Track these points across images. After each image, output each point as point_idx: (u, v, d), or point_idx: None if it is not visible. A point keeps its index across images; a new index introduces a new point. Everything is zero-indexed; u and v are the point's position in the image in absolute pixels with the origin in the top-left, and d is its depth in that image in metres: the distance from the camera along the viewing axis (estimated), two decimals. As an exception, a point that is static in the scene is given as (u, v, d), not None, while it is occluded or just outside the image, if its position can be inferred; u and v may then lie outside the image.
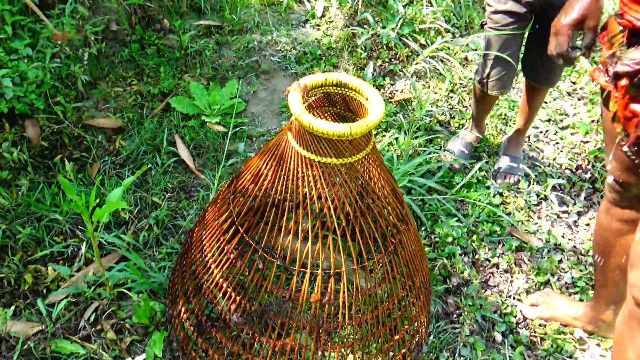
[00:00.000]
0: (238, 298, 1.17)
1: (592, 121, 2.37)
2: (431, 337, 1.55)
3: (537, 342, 1.60)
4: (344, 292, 1.13)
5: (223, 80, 2.44)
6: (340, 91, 1.15)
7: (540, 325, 1.63)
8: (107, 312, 1.51)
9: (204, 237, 1.29)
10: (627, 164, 1.20)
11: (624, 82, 1.03)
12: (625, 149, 1.13)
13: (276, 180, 1.13)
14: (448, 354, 1.53)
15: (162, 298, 1.57)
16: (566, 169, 2.16)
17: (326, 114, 1.22)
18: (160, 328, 1.48)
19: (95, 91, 2.25)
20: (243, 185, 1.22)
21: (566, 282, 1.75)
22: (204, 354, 1.27)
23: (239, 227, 1.18)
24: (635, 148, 1.12)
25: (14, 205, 1.76)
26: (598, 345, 1.58)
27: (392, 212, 1.19)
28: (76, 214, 1.78)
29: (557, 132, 2.33)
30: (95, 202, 1.83)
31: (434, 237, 1.84)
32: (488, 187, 2.03)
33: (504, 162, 2.09)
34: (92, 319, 1.50)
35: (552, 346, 1.58)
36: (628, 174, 1.23)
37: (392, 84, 2.53)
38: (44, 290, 1.58)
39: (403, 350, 1.29)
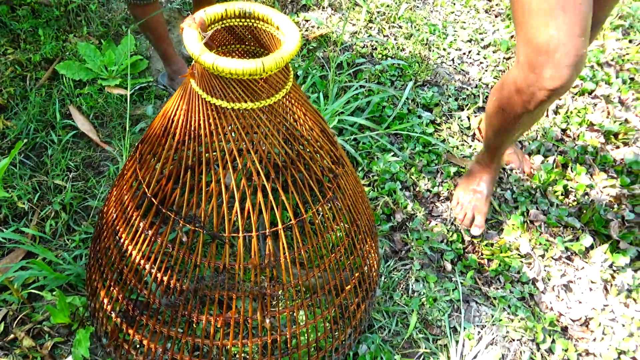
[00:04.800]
0: (165, 278, 1.02)
1: (512, 37, 2.34)
2: (382, 279, 1.49)
3: (485, 264, 1.59)
4: (284, 252, 1.01)
5: (117, 36, 2.15)
6: (245, 23, 0.98)
7: (486, 245, 1.61)
8: (19, 318, 1.31)
9: (115, 217, 1.11)
10: None
11: None
12: None
13: (187, 139, 0.96)
14: (401, 292, 1.48)
15: (83, 290, 1.38)
16: (492, 87, 2.13)
17: (234, 54, 1.05)
18: (85, 324, 1.30)
19: (-39, 66, 1.90)
20: (150, 149, 1.04)
21: (506, 199, 1.74)
22: (139, 345, 1.12)
23: (152, 199, 1.01)
24: None
25: None
26: (542, 256, 1.60)
27: (325, 155, 1.06)
28: (-38, 213, 1.51)
29: (479, 51, 2.28)
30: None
31: (372, 176, 1.75)
32: (419, 117, 1.96)
33: None
34: (1, 329, 1.29)
35: (500, 265, 1.57)
36: None
37: (307, 21, 2.35)
38: (-63, 307, 1.34)
39: (357, 299, 1.21)
